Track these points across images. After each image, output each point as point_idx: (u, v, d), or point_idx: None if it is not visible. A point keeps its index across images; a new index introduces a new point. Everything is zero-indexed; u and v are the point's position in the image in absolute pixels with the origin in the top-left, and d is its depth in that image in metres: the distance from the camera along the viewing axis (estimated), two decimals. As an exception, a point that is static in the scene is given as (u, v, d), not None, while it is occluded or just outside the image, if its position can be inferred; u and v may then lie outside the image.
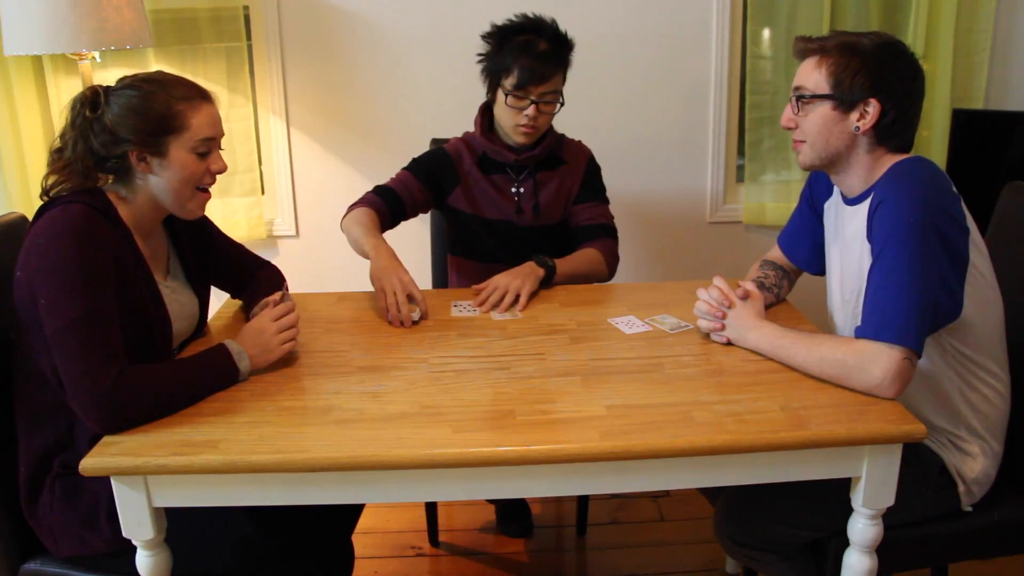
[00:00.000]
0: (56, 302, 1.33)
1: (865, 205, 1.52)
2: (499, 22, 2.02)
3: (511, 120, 2.01)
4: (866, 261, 1.48)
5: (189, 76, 1.54)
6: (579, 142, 2.21)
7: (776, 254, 1.88)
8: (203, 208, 1.58)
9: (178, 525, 1.36)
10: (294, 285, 1.83)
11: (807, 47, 1.54)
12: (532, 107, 1.98)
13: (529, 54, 1.95)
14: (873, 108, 1.48)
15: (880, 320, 1.38)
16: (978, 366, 1.50)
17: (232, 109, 2.68)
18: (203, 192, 1.55)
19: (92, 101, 1.46)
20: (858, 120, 1.49)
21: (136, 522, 1.30)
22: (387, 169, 2.18)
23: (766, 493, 1.55)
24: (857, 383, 1.39)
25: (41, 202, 1.47)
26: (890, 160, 1.52)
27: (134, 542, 1.33)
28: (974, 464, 1.53)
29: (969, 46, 2.74)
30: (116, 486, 1.28)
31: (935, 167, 1.49)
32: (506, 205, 2.12)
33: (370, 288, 1.84)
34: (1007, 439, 1.57)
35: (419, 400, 1.42)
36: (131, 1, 2.21)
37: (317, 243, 2.87)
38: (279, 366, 1.55)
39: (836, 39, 1.51)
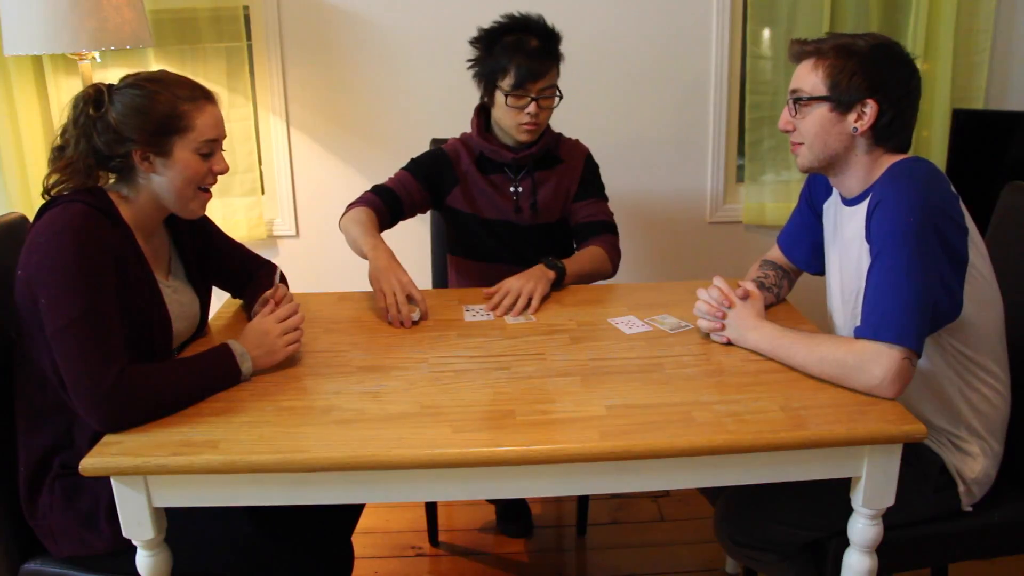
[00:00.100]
0: (57, 301, 1.33)
1: (864, 205, 1.52)
2: (486, 25, 2.03)
3: (513, 120, 2.01)
4: (865, 261, 1.48)
5: (189, 76, 1.54)
6: (576, 140, 2.21)
7: (776, 254, 1.88)
8: (204, 208, 1.58)
9: (178, 525, 1.36)
10: (294, 285, 1.84)
11: (803, 49, 1.54)
12: (533, 104, 1.98)
13: (522, 52, 1.95)
14: (871, 109, 1.48)
15: (879, 320, 1.39)
16: (978, 366, 1.51)
17: (232, 109, 2.68)
18: (205, 192, 1.55)
19: (96, 99, 1.46)
20: (856, 121, 1.50)
21: (136, 522, 1.30)
22: (387, 169, 2.18)
23: (766, 493, 1.55)
24: (857, 383, 1.39)
25: (42, 201, 1.47)
26: (888, 160, 1.52)
27: (134, 542, 1.33)
28: (974, 464, 1.53)
29: (969, 46, 2.74)
30: (116, 486, 1.28)
31: (933, 167, 1.49)
32: (505, 204, 2.12)
33: (370, 288, 1.84)
34: (1007, 439, 1.57)
35: (419, 400, 1.42)
36: (131, 1, 2.21)
37: (317, 243, 2.87)
38: (280, 366, 1.55)
39: (832, 41, 1.51)
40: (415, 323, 1.77)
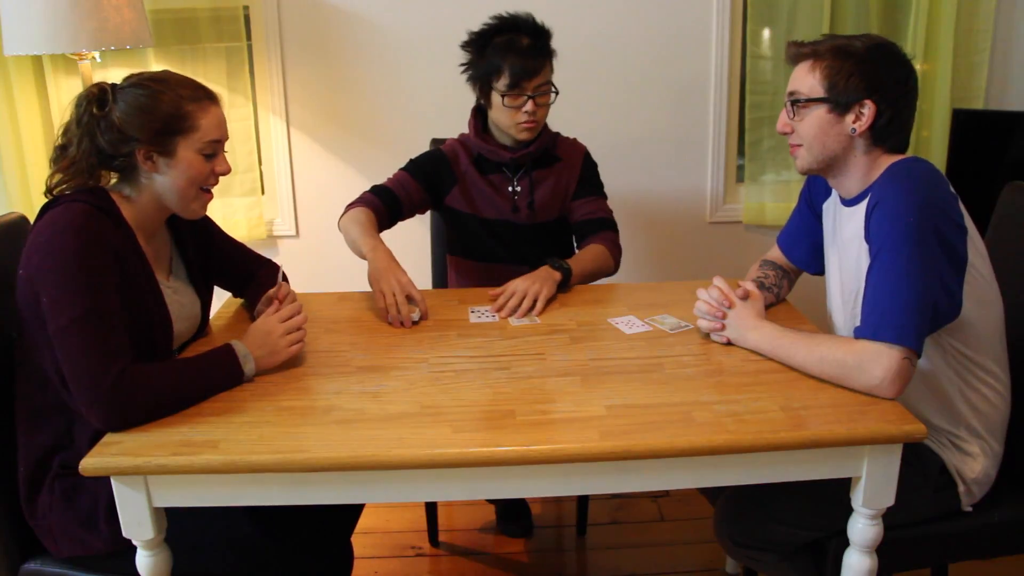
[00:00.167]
0: (59, 300, 1.33)
1: (863, 206, 1.52)
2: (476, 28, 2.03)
3: (511, 119, 2.02)
4: (864, 261, 1.48)
5: (190, 76, 1.54)
6: (574, 139, 2.21)
7: (776, 254, 1.88)
8: (205, 208, 1.58)
9: (178, 525, 1.36)
10: (294, 285, 1.83)
11: (800, 51, 1.54)
12: (530, 102, 1.99)
13: (514, 52, 1.96)
14: (869, 109, 1.48)
15: (879, 320, 1.39)
16: (978, 366, 1.51)
17: (232, 109, 2.68)
18: (206, 192, 1.55)
19: (99, 99, 1.46)
20: (854, 122, 1.50)
21: (136, 522, 1.30)
22: (387, 169, 2.18)
23: (766, 493, 1.55)
24: (857, 383, 1.39)
25: (43, 201, 1.47)
26: (887, 161, 1.52)
27: (134, 542, 1.33)
28: (974, 464, 1.53)
29: (969, 46, 2.74)
30: (116, 486, 1.28)
31: (932, 167, 1.49)
32: (503, 204, 2.12)
33: (370, 288, 1.84)
34: (1007, 439, 1.57)
35: (419, 400, 1.42)
36: (131, 1, 2.21)
37: (317, 243, 2.87)
38: (281, 366, 1.55)
39: (829, 42, 1.51)
40: (415, 323, 1.77)
